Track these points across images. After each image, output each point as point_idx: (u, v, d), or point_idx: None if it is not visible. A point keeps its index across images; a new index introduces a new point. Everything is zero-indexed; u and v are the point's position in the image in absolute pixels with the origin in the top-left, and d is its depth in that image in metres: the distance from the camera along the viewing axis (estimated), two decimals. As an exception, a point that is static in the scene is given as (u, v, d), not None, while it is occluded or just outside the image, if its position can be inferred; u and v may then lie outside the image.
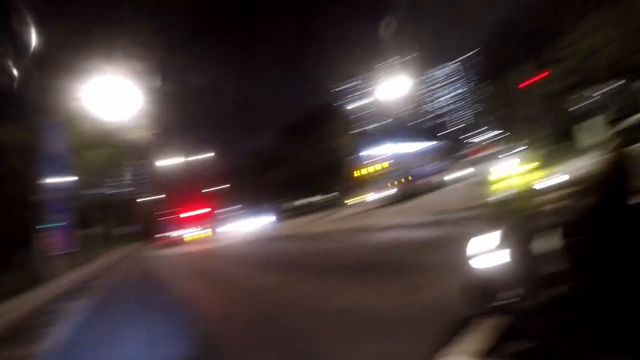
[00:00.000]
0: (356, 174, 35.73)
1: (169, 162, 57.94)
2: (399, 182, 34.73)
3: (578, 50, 38.50)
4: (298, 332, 5.91)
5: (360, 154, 37.54)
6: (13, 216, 24.98)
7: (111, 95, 33.84)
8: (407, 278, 7.59)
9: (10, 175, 26.89)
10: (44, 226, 20.17)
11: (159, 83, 40.46)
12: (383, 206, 30.80)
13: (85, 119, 34.37)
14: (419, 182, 35.80)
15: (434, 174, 38.84)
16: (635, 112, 9.56)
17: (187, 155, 59.55)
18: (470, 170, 37.07)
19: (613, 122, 3.68)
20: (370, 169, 34.74)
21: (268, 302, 8.39)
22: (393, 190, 34.08)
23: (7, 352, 9.59)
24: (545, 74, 16.36)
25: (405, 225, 16.73)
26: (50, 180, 22.88)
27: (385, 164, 34.37)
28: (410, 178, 35.24)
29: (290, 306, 7.55)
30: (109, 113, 35.99)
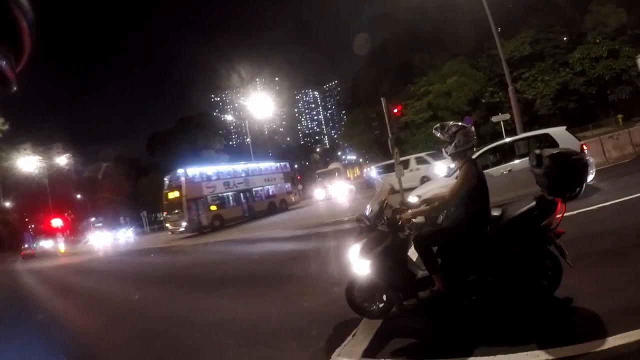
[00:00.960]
0: (170, 195, 31.69)
1: (22, 164, 52.11)
2: (206, 208, 31.31)
3: (435, 89, 44.41)
4: (182, 346, 5.79)
5: (178, 173, 32.34)
6: None
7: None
8: (289, 287, 7.68)
9: None
10: None
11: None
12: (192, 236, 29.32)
13: None
14: (243, 206, 34.40)
15: (268, 196, 37.04)
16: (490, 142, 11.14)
17: (45, 158, 54.25)
18: (333, 189, 37.78)
19: (455, 153, 4.43)
20: (178, 192, 30.95)
21: (147, 317, 8.04)
22: (194, 217, 30.47)
23: None
24: (399, 107, 17.94)
25: (277, 238, 16.88)
26: None
27: (186, 188, 30.86)
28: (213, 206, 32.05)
29: (171, 320, 7.27)
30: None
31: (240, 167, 37.70)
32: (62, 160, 58.66)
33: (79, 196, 68.17)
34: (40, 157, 53.08)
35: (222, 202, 33.02)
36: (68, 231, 62.70)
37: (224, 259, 15.11)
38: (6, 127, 41.77)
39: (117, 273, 17.91)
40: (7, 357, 7.44)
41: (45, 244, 55.24)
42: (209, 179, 33.20)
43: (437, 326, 4.41)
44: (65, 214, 62.67)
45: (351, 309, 4.86)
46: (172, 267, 15.95)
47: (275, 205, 36.69)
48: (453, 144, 4.31)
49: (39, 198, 55.79)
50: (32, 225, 72.04)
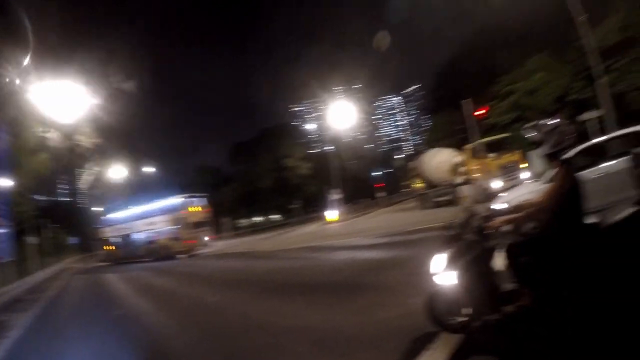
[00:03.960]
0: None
1: (116, 172, 56.30)
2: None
3: (519, 88, 42.36)
4: (258, 350, 5.81)
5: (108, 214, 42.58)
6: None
7: (59, 99, 33.08)
8: (366, 296, 7.52)
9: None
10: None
11: (114, 85, 39.98)
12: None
13: (31, 121, 33.50)
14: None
15: (148, 242, 36.07)
16: (579, 143, 10.24)
17: (135, 166, 57.92)
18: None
19: (551, 154, 4.01)
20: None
21: (222, 318, 8.24)
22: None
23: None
24: (486, 108, 17.03)
25: (357, 245, 16.72)
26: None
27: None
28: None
29: (248, 323, 7.35)
30: (56, 117, 35.09)
31: (129, 212, 40.51)
32: (149, 169, 61.75)
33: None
34: (128, 167, 56.50)
35: (111, 244, 40.83)
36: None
37: (302, 265, 15.11)
38: (102, 140, 44.82)
39: (197, 275, 18.58)
40: (87, 349, 7.82)
41: None
42: (108, 224, 41.95)
43: (522, 345, 3.96)
44: None
45: (430, 322, 4.59)
46: (249, 272, 16.13)
47: (156, 252, 34.65)
48: (549, 143, 3.95)
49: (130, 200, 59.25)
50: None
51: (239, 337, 6.61)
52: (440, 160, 27.74)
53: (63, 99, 32.98)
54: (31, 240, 30.67)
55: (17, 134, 31.99)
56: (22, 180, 32.32)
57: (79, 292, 19.60)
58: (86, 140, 43.31)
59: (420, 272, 5.59)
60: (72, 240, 57.51)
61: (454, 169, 25.84)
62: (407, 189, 38.97)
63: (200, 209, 35.59)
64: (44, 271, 31.38)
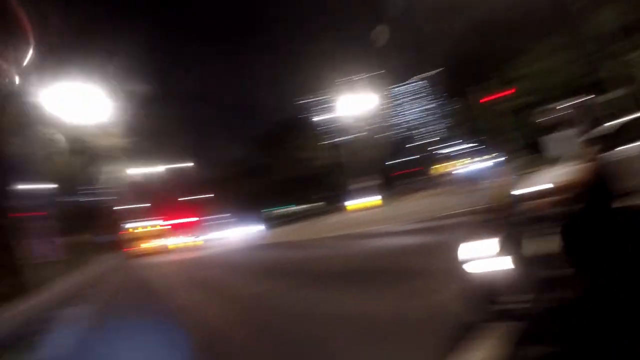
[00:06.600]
0: None
1: (149, 170, 57.03)
2: None
3: (536, 70, 41.60)
4: (300, 339, 5.87)
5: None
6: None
7: (84, 101, 33.40)
8: (405, 283, 7.54)
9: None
10: (25, 233, 19.74)
11: (133, 89, 40.27)
12: None
13: (56, 124, 33.74)
14: None
15: None
16: (601, 124, 9.88)
17: (166, 163, 58.66)
18: None
19: (584, 135, 3.95)
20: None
21: (267, 309, 8.23)
22: None
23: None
24: (512, 90, 16.55)
25: (392, 232, 16.71)
26: (24, 186, 22.37)
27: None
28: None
29: (291, 313, 7.43)
30: (81, 118, 35.46)
31: None
32: (187, 163, 62.74)
33: (204, 195, 72.24)
34: (165, 160, 57.32)
35: None
36: (197, 226, 66.31)
37: (340, 253, 15.16)
38: (133, 138, 45.35)
39: (242, 265, 18.95)
40: (141, 346, 7.72)
41: (173, 240, 59.74)
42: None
43: (568, 335, 3.72)
44: (192, 210, 66.52)
45: (470, 310, 4.49)
46: (293, 262, 16.17)
47: None
48: (585, 123, 3.98)
49: (165, 196, 59.90)
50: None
51: (282, 326, 6.69)
52: None
53: (90, 100, 33.36)
54: (71, 240, 31.13)
55: (44, 137, 32.25)
56: (54, 182, 32.77)
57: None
58: (119, 139, 43.54)
59: (460, 258, 5.70)
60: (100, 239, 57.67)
61: None
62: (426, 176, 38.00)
63: None
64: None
